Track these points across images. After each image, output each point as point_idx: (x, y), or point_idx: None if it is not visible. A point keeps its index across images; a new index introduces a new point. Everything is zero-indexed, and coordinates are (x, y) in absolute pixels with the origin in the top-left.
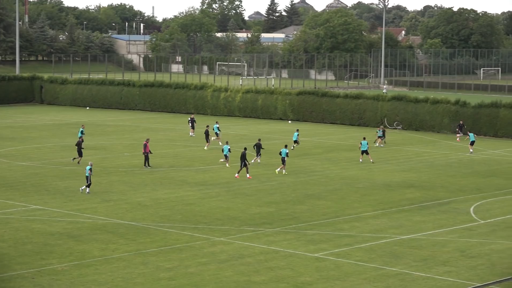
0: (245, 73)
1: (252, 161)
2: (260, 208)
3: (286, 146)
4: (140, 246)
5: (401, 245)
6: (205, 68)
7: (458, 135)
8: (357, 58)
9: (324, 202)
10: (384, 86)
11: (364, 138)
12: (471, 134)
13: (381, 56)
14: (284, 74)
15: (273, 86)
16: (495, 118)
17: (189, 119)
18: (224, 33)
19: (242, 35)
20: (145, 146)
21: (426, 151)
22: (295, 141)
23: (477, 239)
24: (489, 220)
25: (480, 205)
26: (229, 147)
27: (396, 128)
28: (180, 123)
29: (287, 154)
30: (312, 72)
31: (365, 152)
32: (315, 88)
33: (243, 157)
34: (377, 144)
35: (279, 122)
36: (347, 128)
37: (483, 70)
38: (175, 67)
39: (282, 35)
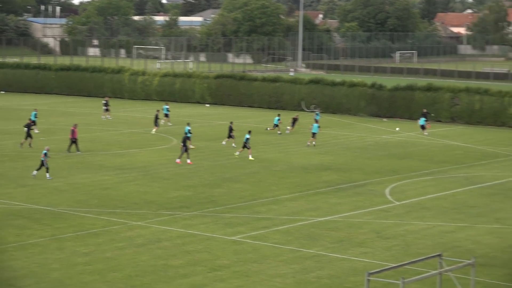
0: (163, 57)
1: (223, 142)
2: (178, 192)
3: (249, 132)
4: (56, 231)
5: (317, 227)
6: (123, 51)
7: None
8: (275, 41)
9: (242, 185)
10: (291, 69)
11: (316, 121)
12: (422, 119)
13: (298, 40)
14: (202, 57)
15: (191, 69)
16: (410, 101)
17: (104, 102)
18: (142, 17)
19: (159, 19)
20: (73, 131)
21: (342, 134)
22: (276, 125)
23: (392, 220)
24: (404, 202)
25: (396, 187)
26: (189, 128)
27: (313, 111)
28: (97, 107)
29: (247, 140)
30: (230, 56)
31: (315, 134)
32: (243, 72)
33: (184, 142)
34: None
35: (197, 105)
36: (265, 112)
37: (399, 53)
38: (92, 51)
39: (200, 19)
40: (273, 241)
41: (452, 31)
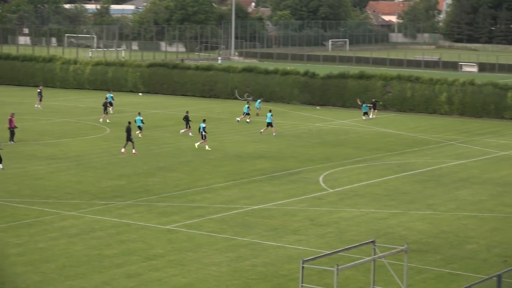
0: (95, 45)
1: (182, 131)
2: (111, 181)
3: (204, 121)
4: None
5: (252, 215)
6: (54, 40)
7: (373, 110)
8: (208, 30)
9: (176, 174)
10: (219, 58)
11: (270, 111)
12: (364, 105)
13: (231, 28)
14: (135, 46)
15: (123, 58)
16: (343, 89)
17: (38, 91)
18: (73, 5)
19: (91, 7)
20: (10, 121)
21: (276, 122)
22: (247, 113)
23: (326, 207)
24: (337, 189)
25: (329, 174)
26: (141, 118)
27: (247, 100)
28: (29, 96)
29: (203, 129)
30: (163, 44)
31: (270, 124)
32: (181, 60)
33: (128, 131)
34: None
35: (130, 94)
36: (198, 100)
37: (331, 41)
38: (23, 39)
39: (132, 7)
40: (208, 229)
41: (383, 19)
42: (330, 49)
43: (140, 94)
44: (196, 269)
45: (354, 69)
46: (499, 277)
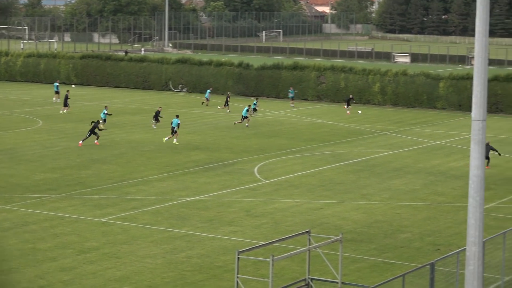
0: (26, 37)
1: (154, 126)
2: (44, 174)
3: (177, 116)
4: None
5: (187, 206)
6: None
7: (346, 106)
8: (141, 21)
9: (110, 166)
10: (142, 49)
11: (250, 105)
12: (291, 90)
13: (164, 19)
14: (67, 37)
15: (55, 50)
16: (277, 80)
17: None
18: None
19: None
20: None
21: (210, 114)
22: (254, 109)
23: (261, 198)
24: (272, 180)
25: (264, 165)
26: (106, 112)
27: (181, 91)
28: None
29: (178, 125)
30: (96, 36)
31: (245, 117)
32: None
33: (93, 127)
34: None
35: (63, 86)
36: (132, 92)
37: (265, 32)
38: None
39: None
40: (143, 222)
41: (317, 10)
42: (264, 40)
43: (73, 86)
44: (131, 262)
45: (288, 60)
46: (432, 265)
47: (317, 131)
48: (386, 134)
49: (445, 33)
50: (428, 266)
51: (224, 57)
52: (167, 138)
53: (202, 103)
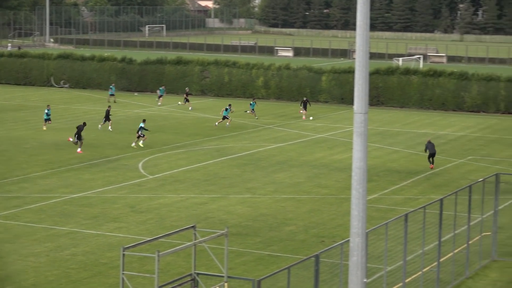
0: None
1: (110, 128)
2: None
3: (144, 121)
4: None
5: (71, 204)
6: None
7: (302, 111)
8: (21, 16)
9: None
10: (9, 45)
11: (230, 105)
12: (161, 89)
13: (45, 14)
14: None
15: None
16: (161, 75)
17: None
18: None
19: None
20: None
21: (94, 109)
22: (252, 109)
23: (146, 194)
24: (157, 175)
25: (149, 161)
26: (47, 111)
27: (63, 87)
28: None
29: (142, 128)
30: None
31: (225, 117)
32: (18, 48)
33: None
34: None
35: None
36: (12, 88)
37: (148, 27)
38: None
39: None
40: (25, 220)
41: (200, 5)
42: (147, 35)
43: None
44: (13, 261)
45: (171, 55)
46: (317, 257)
47: (201, 125)
48: (270, 128)
49: (327, 27)
50: (313, 258)
51: (107, 52)
52: (133, 143)
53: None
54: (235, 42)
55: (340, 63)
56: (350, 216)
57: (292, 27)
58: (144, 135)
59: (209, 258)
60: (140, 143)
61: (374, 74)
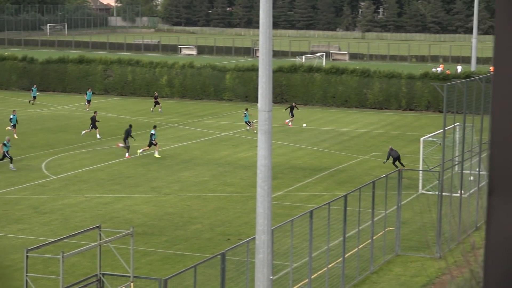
0: None
1: (83, 132)
2: None
3: (155, 127)
4: None
5: None
6: None
7: (290, 119)
8: None
9: None
10: None
11: (247, 109)
12: (88, 93)
13: None
14: None
15: None
16: (63, 74)
17: None
18: None
19: None
20: None
21: None
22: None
23: (50, 195)
24: (61, 175)
25: (52, 161)
26: (12, 116)
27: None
28: None
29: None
30: None
31: (247, 123)
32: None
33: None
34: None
35: None
36: None
37: (49, 26)
38: None
39: None
40: None
41: (102, 3)
42: (48, 34)
43: None
44: None
45: (73, 54)
46: (223, 255)
47: (105, 125)
48: (174, 127)
49: (230, 25)
50: (219, 256)
51: (7, 51)
52: (141, 150)
53: (29, 101)
54: (138, 40)
55: (244, 61)
56: (255, 213)
57: (195, 25)
58: (156, 143)
59: (114, 258)
60: (156, 153)
61: (277, 72)
